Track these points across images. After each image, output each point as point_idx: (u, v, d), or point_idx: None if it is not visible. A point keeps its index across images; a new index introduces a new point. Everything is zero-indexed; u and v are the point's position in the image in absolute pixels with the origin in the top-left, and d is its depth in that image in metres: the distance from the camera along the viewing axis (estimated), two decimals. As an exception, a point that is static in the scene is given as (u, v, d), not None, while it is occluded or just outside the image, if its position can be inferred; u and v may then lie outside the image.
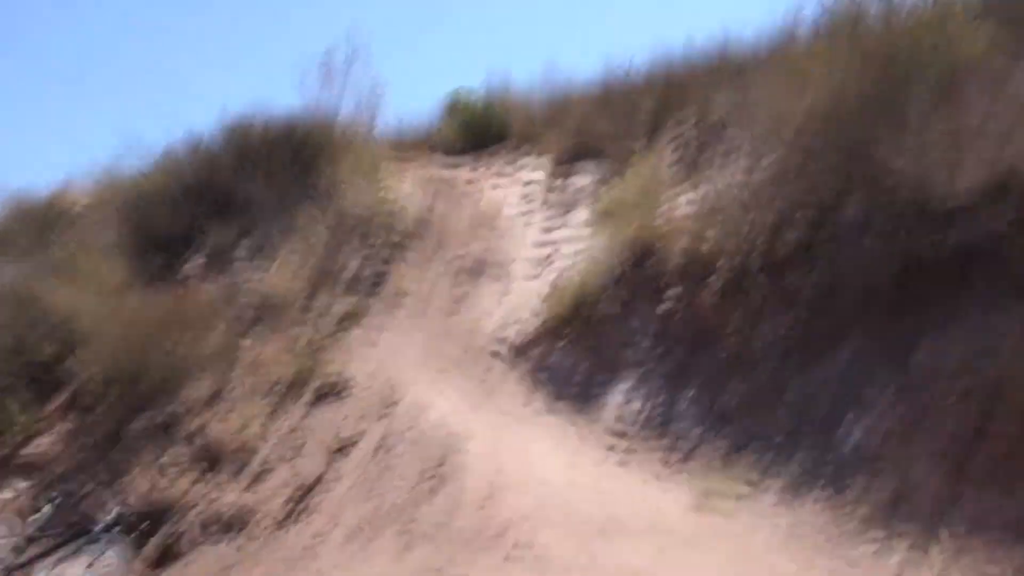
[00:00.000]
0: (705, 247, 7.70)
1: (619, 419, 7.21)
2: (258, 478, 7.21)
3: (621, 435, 7.02)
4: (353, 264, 10.12)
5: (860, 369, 6.13)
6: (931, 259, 6.08)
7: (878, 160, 6.44)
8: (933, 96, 6.57)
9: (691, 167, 10.13)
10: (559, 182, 12.74)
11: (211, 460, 7.91)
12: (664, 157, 10.93)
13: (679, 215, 8.46)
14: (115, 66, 55.77)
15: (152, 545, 7.36)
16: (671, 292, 7.70)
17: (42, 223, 12.49)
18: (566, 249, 10.29)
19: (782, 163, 7.74)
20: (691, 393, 7.02)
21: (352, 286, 9.81)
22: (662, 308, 7.66)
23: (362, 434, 6.84)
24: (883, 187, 6.49)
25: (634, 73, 14.18)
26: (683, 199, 8.81)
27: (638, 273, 8.09)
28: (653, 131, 12.00)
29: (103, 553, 6.94)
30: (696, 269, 7.63)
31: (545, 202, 12.41)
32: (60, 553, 7.07)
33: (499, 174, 13.91)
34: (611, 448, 6.85)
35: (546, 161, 13.70)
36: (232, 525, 6.80)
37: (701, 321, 7.29)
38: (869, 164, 6.60)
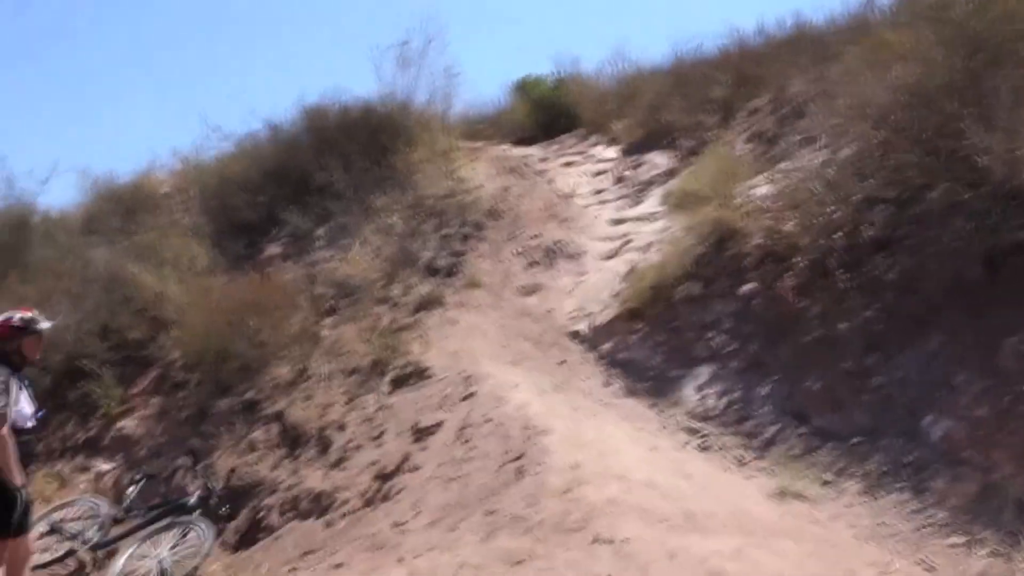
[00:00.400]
0: (786, 232, 7.62)
1: (699, 405, 7.18)
2: (340, 461, 7.35)
3: (701, 421, 7.00)
4: (429, 249, 10.21)
5: (945, 362, 6.00)
6: (1021, 247, 5.93)
7: (966, 144, 6.27)
8: (1024, 75, 6.40)
9: (768, 151, 10.01)
10: (631, 165, 12.68)
11: (293, 442, 8.10)
12: (739, 141, 10.82)
13: (758, 199, 8.36)
14: (197, 53, 57.12)
15: (238, 524, 7.58)
16: (752, 277, 7.62)
17: (128, 207, 12.84)
18: (642, 231, 10.25)
19: (865, 146, 7.60)
20: (772, 381, 6.95)
21: (429, 271, 9.91)
22: (742, 293, 7.58)
23: (443, 420, 6.91)
24: (971, 172, 6.33)
25: (705, 56, 14.08)
26: (762, 183, 8.70)
27: (719, 257, 8.02)
28: (726, 115, 11.90)
29: (189, 531, 7.12)
30: (777, 255, 7.57)
31: (618, 185, 12.37)
32: (146, 531, 7.28)
33: (571, 158, 13.90)
34: (691, 434, 6.83)
35: (617, 144, 13.66)
36: (317, 505, 6.95)
37: (782, 308, 7.21)
38: (956, 148, 6.44)
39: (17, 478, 5.31)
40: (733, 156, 9.96)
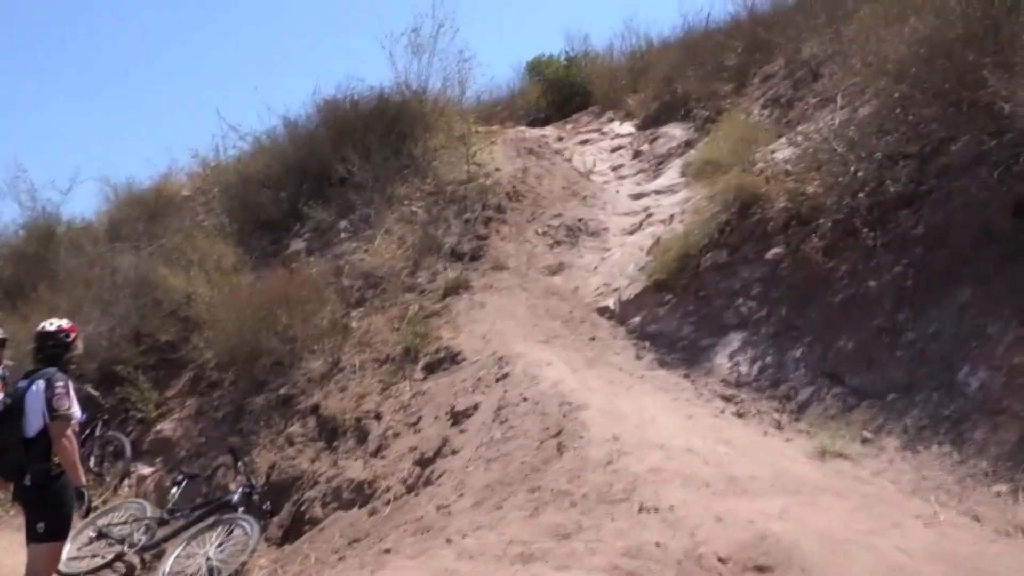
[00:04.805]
0: (810, 194, 7.58)
1: (732, 372, 7.18)
2: (380, 449, 7.41)
3: (736, 388, 6.99)
4: (453, 234, 10.25)
5: (977, 313, 5.96)
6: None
7: (987, 92, 6.21)
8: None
9: (785, 114, 9.96)
10: (648, 139, 12.66)
11: (330, 434, 8.17)
12: (756, 107, 10.77)
13: (780, 163, 8.32)
14: (210, 53, 57.50)
15: (281, 518, 7.66)
16: (778, 241, 7.59)
17: (151, 212, 12.98)
18: (663, 204, 10.24)
19: (884, 102, 7.53)
20: (803, 344, 6.93)
21: (454, 256, 9.95)
22: (769, 258, 7.55)
23: (479, 402, 6.95)
24: (993, 120, 6.27)
25: (715, 24, 14.03)
26: (782, 147, 8.66)
27: (743, 223, 8.00)
28: (741, 82, 11.85)
29: (234, 528, 7.20)
30: (802, 217, 7.52)
31: (636, 159, 12.36)
32: (192, 531, 7.37)
33: (587, 135, 13.89)
34: (727, 401, 6.84)
35: (633, 119, 13.64)
36: (359, 495, 7.01)
37: (810, 270, 7.17)
38: (977, 98, 6.37)
39: (82, 476, 5.64)
40: (750, 122, 9.91)
